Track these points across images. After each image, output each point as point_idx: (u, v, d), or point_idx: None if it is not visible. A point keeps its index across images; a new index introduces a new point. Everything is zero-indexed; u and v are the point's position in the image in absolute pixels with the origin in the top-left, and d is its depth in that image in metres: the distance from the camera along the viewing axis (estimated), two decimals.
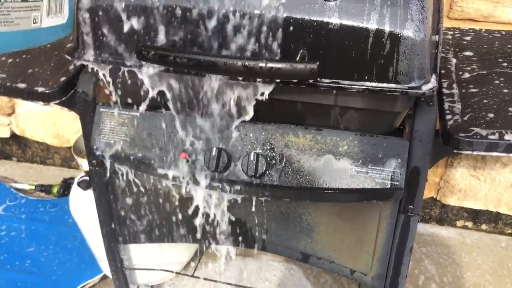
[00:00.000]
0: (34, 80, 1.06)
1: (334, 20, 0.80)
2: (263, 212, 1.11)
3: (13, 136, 2.18)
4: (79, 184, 1.32)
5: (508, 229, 1.85)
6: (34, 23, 0.52)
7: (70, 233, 1.76)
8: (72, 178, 1.99)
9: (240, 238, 1.17)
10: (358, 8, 0.79)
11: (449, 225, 1.91)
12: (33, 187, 2.02)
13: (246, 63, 0.79)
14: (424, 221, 1.91)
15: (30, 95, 1.04)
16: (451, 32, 1.20)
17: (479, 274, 1.73)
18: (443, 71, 1.04)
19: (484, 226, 1.87)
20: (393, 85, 0.82)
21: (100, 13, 0.88)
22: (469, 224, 1.88)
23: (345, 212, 1.06)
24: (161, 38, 0.87)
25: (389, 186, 0.93)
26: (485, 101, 0.95)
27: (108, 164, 1.09)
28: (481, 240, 1.86)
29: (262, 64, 0.79)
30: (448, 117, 0.91)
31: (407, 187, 0.95)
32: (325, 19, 0.80)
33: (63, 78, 1.05)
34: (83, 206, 1.39)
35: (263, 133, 0.97)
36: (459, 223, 1.89)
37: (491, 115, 0.91)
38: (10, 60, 1.13)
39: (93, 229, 1.37)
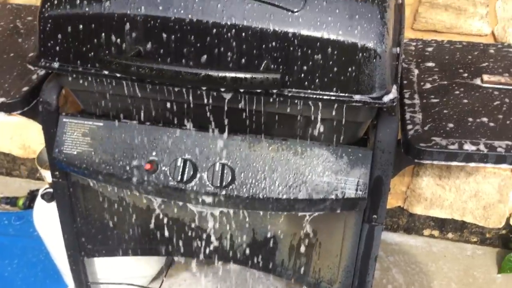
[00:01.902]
0: None
1: (297, 31, 0.81)
2: (229, 223, 1.10)
3: None
4: (42, 196, 1.30)
5: (473, 238, 1.89)
6: None
7: (35, 246, 1.72)
8: (38, 190, 1.95)
9: (206, 250, 1.16)
10: (320, 19, 0.81)
11: (417, 234, 1.93)
12: None
13: (210, 73, 0.80)
14: (392, 230, 1.94)
15: None
16: (414, 43, 1.23)
17: (446, 282, 1.75)
18: (405, 82, 1.07)
19: (450, 235, 1.90)
20: (355, 96, 0.83)
21: (64, 22, 0.87)
22: (436, 232, 1.91)
23: (311, 223, 1.07)
24: (125, 48, 0.86)
25: (353, 196, 0.94)
26: (445, 111, 0.97)
27: (71, 175, 1.08)
28: (447, 248, 1.89)
29: (226, 74, 0.80)
30: (409, 127, 0.93)
31: (371, 197, 0.97)
32: (289, 30, 0.81)
33: (25, 88, 1.04)
34: (47, 219, 1.36)
35: (229, 144, 0.97)
36: (426, 232, 1.92)
37: (451, 125, 0.94)
38: None
39: (57, 243, 1.34)
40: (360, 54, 0.81)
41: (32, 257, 1.70)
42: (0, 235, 1.79)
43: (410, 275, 1.77)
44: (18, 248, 1.73)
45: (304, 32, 0.81)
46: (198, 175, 0.98)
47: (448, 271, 1.79)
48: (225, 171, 0.96)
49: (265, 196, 0.96)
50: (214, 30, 0.82)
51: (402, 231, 1.93)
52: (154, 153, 0.99)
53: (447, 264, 1.82)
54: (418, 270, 1.80)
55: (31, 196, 1.96)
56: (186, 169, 0.97)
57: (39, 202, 1.39)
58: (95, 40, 0.87)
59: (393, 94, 0.85)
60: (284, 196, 0.95)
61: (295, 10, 0.81)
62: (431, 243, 1.91)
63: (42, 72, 1.08)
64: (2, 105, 1.01)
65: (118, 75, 0.87)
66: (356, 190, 0.94)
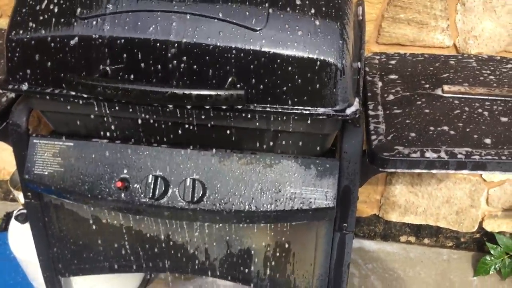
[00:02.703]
0: None
1: (260, 48, 0.83)
2: (203, 236, 1.11)
3: None
4: (16, 217, 1.30)
5: (448, 242, 1.92)
6: None
7: (12, 268, 1.69)
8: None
9: (183, 265, 1.17)
10: (282, 37, 0.83)
11: (393, 241, 1.97)
12: None
13: (175, 91, 0.82)
14: (369, 238, 1.96)
15: None
16: (378, 57, 1.26)
17: (424, 287, 1.78)
18: (369, 94, 1.10)
19: (426, 240, 1.94)
20: (318, 109, 0.86)
21: (31, 45, 0.89)
22: (412, 239, 1.94)
23: (283, 233, 1.09)
24: (91, 68, 0.88)
25: (323, 205, 0.96)
26: (407, 121, 1.01)
27: (43, 195, 1.08)
28: (424, 254, 1.92)
29: (191, 92, 0.82)
30: (373, 137, 0.96)
31: (340, 206, 0.99)
32: (252, 48, 0.84)
33: None
34: (22, 240, 1.36)
35: (199, 159, 0.99)
36: (403, 238, 1.95)
37: (413, 134, 0.97)
38: None
39: (33, 264, 1.33)
40: (322, 70, 0.84)
41: (9, 279, 1.68)
42: None
43: (388, 281, 1.80)
44: None
45: (267, 49, 0.84)
46: (170, 191, 0.99)
47: (426, 276, 1.83)
48: (196, 186, 0.98)
49: (236, 209, 0.97)
50: (179, 49, 0.84)
51: (379, 239, 1.96)
52: (125, 171, 1.00)
53: (424, 269, 1.85)
54: (396, 276, 1.83)
55: (7, 218, 1.93)
56: (158, 186, 0.98)
57: (13, 223, 1.38)
58: (61, 62, 0.88)
59: (355, 106, 0.88)
60: (255, 209, 0.97)
61: (258, 28, 0.84)
62: (408, 249, 1.94)
63: (11, 94, 1.08)
64: None
65: (85, 95, 0.88)
66: (325, 200, 0.96)
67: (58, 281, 1.26)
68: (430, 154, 0.91)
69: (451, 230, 1.88)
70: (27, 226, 1.30)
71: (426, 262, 1.89)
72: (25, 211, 1.28)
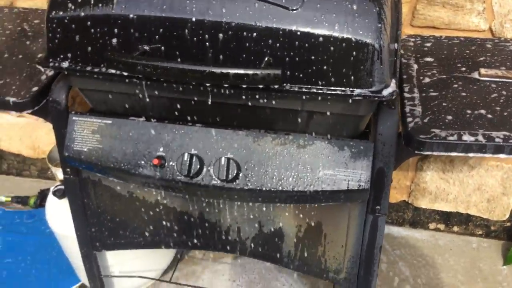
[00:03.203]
0: (6, 90, 1.07)
1: (296, 28, 0.83)
2: (236, 216, 1.13)
3: None
4: (54, 193, 1.33)
5: (478, 231, 1.90)
6: None
7: (47, 243, 1.75)
8: (49, 189, 1.99)
9: (215, 243, 1.19)
10: (318, 16, 0.83)
11: (422, 228, 1.95)
12: (9, 199, 2.01)
13: (213, 70, 0.83)
14: (397, 224, 1.96)
15: (2, 105, 1.05)
16: (413, 39, 1.25)
17: (452, 274, 1.77)
18: (405, 76, 1.09)
19: (455, 228, 1.92)
20: (354, 90, 0.86)
21: (71, 23, 0.90)
22: (441, 226, 1.92)
23: (315, 215, 1.09)
24: (131, 47, 0.89)
25: (356, 187, 0.96)
26: (444, 104, 0.99)
27: (82, 171, 1.11)
28: (453, 241, 1.91)
29: (229, 71, 0.82)
30: (409, 119, 0.95)
31: (374, 188, 0.99)
32: (288, 27, 0.84)
33: (35, 88, 1.07)
34: (59, 215, 1.40)
35: (234, 138, 1.00)
36: (432, 225, 1.93)
37: (450, 117, 0.96)
38: None
39: (70, 238, 1.37)
40: (359, 50, 0.83)
41: (45, 253, 1.73)
42: (12, 233, 1.83)
43: (416, 268, 1.79)
44: (31, 246, 1.77)
45: (303, 29, 0.83)
46: (205, 169, 1.01)
47: (454, 263, 1.81)
48: (230, 165, 0.99)
49: (269, 189, 0.98)
50: (217, 29, 0.85)
51: (407, 225, 1.95)
52: (161, 149, 1.02)
53: (453, 257, 1.84)
54: (424, 263, 1.82)
55: (42, 195, 2.00)
56: (193, 164, 1.00)
57: (51, 199, 1.42)
58: (102, 40, 0.90)
59: (392, 87, 0.88)
60: (288, 188, 0.98)
61: (294, 8, 0.84)
62: (437, 236, 1.93)
63: (50, 72, 1.11)
64: (14, 105, 1.04)
65: (125, 73, 0.90)
66: (359, 182, 0.96)
67: (94, 256, 1.29)
68: (467, 137, 0.90)
69: (481, 218, 1.86)
70: (64, 201, 1.33)
71: (455, 249, 1.88)
72: (62, 187, 1.32)
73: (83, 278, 1.54)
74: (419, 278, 1.76)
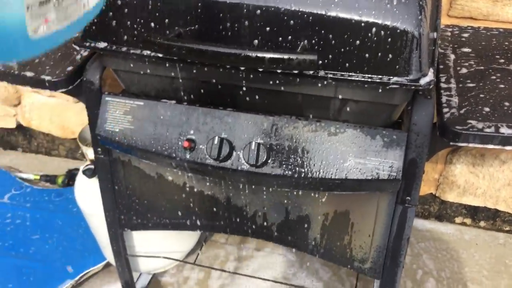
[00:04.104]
0: (42, 69, 1.08)
1: (335, 12, 0.82)
2: (263, 202, 1.13)
3: (19, 126, 2.21)
4: (84, 172, 1.35)
5: (506, 226, 1.87)
6: (84, 8, 0.54)
7: (74, 221, 1.79)
8: (77, 169, 2.03)
9: (241, 227, 1.20)
10: (359, 2, 0.82)
11: (448, 222, 1.93)
12: (38, 177, 2.05)
13: (249, 53, 0.82)
14: (423, 217, 1.94)
15: (37, 83, 1.07)
16: (450, 29, 1.22)
17: (477, 269, 1.75)
18: (441, 66, 1.07)
19: (482, 223, 1.89)
20: (391, 78, 0.84)
21: (108, 3, 0.91)
22: (468, 220, 1.90)
23: (343, 203, 1.09)
24: (166, 29, 0.89)
25: (387, 177, 0.95)
26: (481, 95, 0.97)
27: (112, 151, 1.12)
28: (479, 236, 1.88)
29: (264, 55, 0.82)
30: (445, 110, 0.94)
31: (405, 179, 0.98)
32: (326, 12, 0.82)
33: (70, 67, 1.08)
34: (88, 194, 1.42)
35: (265, 124, 1.00)
36: (458, 219, 1.91)
37: (487, 109, 0.94)
38: None
39: (97, 216, 1.39)
40: (398, 37, 0.81)
41: (71, 231, 1.77)
42: (40, 210, 1.86)
43: (440, 262, 1.78)
44: (58, 223, 1.81)
45: (342, 14, 0.82)
46: (234, 154, 1.00)
47: (480, 258, 1.79)
48: (260, 150, 0.99)
49: (298, 175, 0.98)
50: (254, 12, 0.84)
51: (433, 218, 1.93)
52: (192, 132, 1.02)
53: (478, 252, 1.82)
54: (449, 257, 1.80)
55: (70, 175, 2.03)
56: (223, 148, 1.00)
57: (80, 178, 1.44)
58: (137, 22, 0.90)
59: (429, 77, 0.86)
60: (318, 176, 0.97)
61: None
62: (463, 230, 1.90)
63: (85, 52, 1.12)
64: (48, 83, 1.05)
65: (160, 55, 0.90)
66: (390, 172, 0.95)
67: (121, 234, 1.31)
68: (505, 130, 0.88)
69: (509, 214, 1.83)
70: (93, 180, 1.35)
71: (481, 244, 1.85)
72: (92, 166, 1.33)
73: (109, 256, 1.56)
74: (443, 271, 1.74)
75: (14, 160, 2.24)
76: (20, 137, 2.26)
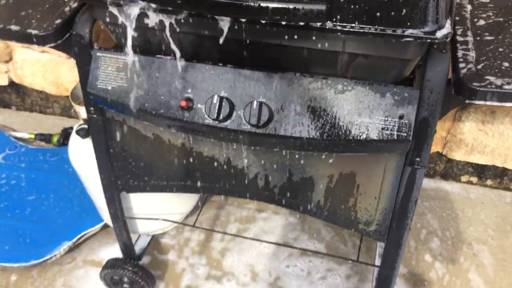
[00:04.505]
0: (28, 22, 1.01)
1: None
2: (265, 163, 1.08)
3: (12, 84, 2.14)
4: (77, 132, 1.30)
5: None
6: None
7: (70, 182, 1.75)
8: (72, 128, 1.97)
9: (241, 189, 1.15)
10: None
11: (454, 180, 1.89)
12: (32, 136, 2.00)
13: (251, 3, 0.75)
14: (428, 175, 1.89)
15: (23, 38, 1.00)
16: None
17: (482, 229, 1.72)
18: (457, 18, 0.99)
19: (489, 182, 1.85)
20: (406, 30, 0.77)
21: None
22: (474, 179, 1.86)
23: (349, 164, 1.04)
24: None
25: (397, 138, 0.90)
26: (500, 49, 0.90)
27: (106, 111, 1.06)
28: (485, 195, 1.84)
29: (268, 4, 0.75)
30: (462, 65, 0.87)
31: (416, 139, 0.92)
32: None
33: (58, 21, 1.01)
34: (82, 155, 1.37)
35: (267, 81, 0.93)
36: (464, 178, 1.87)
37: (506, 64, 0.87)
38: (2, 2, 1.08)
39: (93, 178, 1.35)
40: None
41: (68, 192, 1.73)
42: (36, 170, 1.82)
43: (445, 221, 1.75)
44: (54, 183, 1.77)
45: None
46: (235, 113, 0.95)
47: (485, 218, 1.76)
48: (263, 110, 0.93)
49: (303, 136, 0.92)
50: None
51: (438, 177, 1.89)
52: (189, 90, 0.96)
53: (484, 211, 1.78)
54: (453, 216, 1.77)
55: (65, 133, 1.98)
56: (223, 107, 0.94)
57: (74, 138, 1.39)
58: None
59: (446, 29, 0.79)
60: (324, 136, 0.92)
61: None
62: (469, 189, 1.87)
63: (75, 4, 1.04)
64: (35, 37, 0.98)
65: (153, 5, 0.83)
66: (401, 131, 0.89)
67: (117, 196, 1.27)
68: None
69: None
70: (87, 141, 1.30)
71: (487, 203, 1.82)
72: (86, 126, 1.28)
73: (106, 218, 1.53)
74: (448, 231, 1.71)
75: (8, 119, 2.18)
76: (13, 95, 2.19)
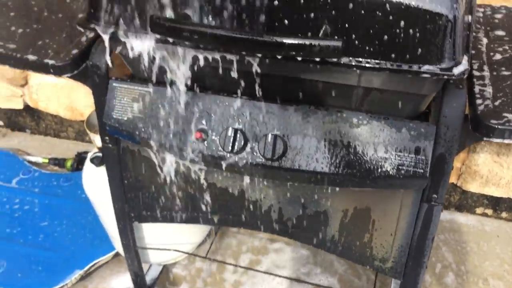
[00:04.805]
0: (45, 52, 1.02)
1: None
2: (280, 196, 1.07)
3: (27, 108, 2.16)
4: (92, 160, 1.30)
5: None
6: None
7: (83, 208, 1.74)
8: (86, 152, 1.98)
9: (254, 221, 1.14)
10: None
11: (468, 212, 1.86)
12: (46, 161, 2.01)
13: (267, 39, 0.75)
14: (443, 207, 1.86)
15: (40, 68, 1.01)
16: (482, 9, 1.13)
17: (498, 263, 1.68)
18: (473, 52, 0.98)
19: (504, 214, 1.81)
20: (422, 66, 0.77)
21: None
22: (489, 211, 1.82)
23: (364, 199, 1.02)
24: (175, 11, 0.82)
25: (413, 174, 0.88)
26: None
27: (120, 141, 1.06)
28: (500, 228, 1.81)
29: (284, 41, 0.75)
30: (479, 101, 0.86)
31: (432, 175, 0.91)
32: None
33: (75, 51, 1.02)
34: (96, 183, 1.37)
35: (282, 114, 0.93)
36: (479, 210, 1.83)
37: None
38: (20, 30, 1.10)
39: (105, 206, 1.35)
40: (430, 21, 0.74)
41: (81, 218, 1.73)
42: (49, 196, 1.82)
43: (460, 254, 1.71)
44: (67, 209, 1.76)
45: None
46: (249, 146, 0.94)
47: (501, 252, 1.72)
48: (277, 143, 0.92)
49: (317, 170, 0.91)
50: None
51: (453, 209, 1.86)
52: (204, 122, 0.96)
53: (499, 244, 1.75)
54: (468, 250, 1.73)
55: (79, 158, 1.99)
56: (237, 139, 0.94)
57: (88, 165, 1.39)
58: (145, 4, 0.83)
59: (463, 65, 0.78)
60: (338, 171, 0.90)
61: None
62: (484, 222, 1.83)
63: (91, 34, 1.05)
64: (52, 68, 0.99)
65: (170, 39, 0.83)
66: (417, 167, 0.88)
67: (130, 226, 1.26)
68: None
69: None
70: (101, 168, 1.30)
71: (502, 236, 1.78)
72: (100, 154, 1.28)
73: (118, 246, 1.52)
74: (463, 265, 1.68)
75: (23, 142, 2.20)
76: (28, 118, 2.22)
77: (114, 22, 0.87)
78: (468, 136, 0.89)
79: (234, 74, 0.89)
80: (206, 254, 1.39)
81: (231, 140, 0.93)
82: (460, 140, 0.89)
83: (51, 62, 1.00)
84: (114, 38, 0.88)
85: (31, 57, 1.01)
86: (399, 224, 1.01)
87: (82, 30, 0.99)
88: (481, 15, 1.13)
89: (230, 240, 1.74)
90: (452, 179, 1.77)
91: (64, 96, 2.04)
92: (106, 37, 0.88)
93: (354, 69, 0.80)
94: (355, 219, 1.05)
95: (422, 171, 0.88)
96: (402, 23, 0.74)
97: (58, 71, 1.00)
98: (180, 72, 0.94)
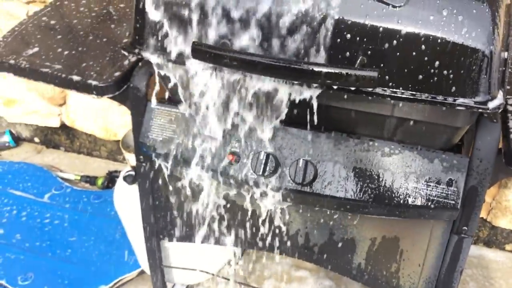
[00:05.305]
0: (88, 73, 1.06)
1: (398, 26, 0.76)
2: (307, 221, 1.08)
3: (63, 126, 2.22)
4: (125, 178, 1.33)
5: None
6: None
7: (111, 225, 1.78)
8: (117, 171, 2.02)
9: (281, 245, 1.14)
10: (424, 15, 0.76)
11: (498, 248, 1.82)
12: (78, 178, 2.06)
13: (304, 67, 0.77)
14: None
15: (83, 88, 1.05)
16: None
17: None
18: (509, 87, 0.99)
19: None
20: (457, 99, 0.78)
21: (158, 13, 0.87)
22: None
23: (393, 228, 1.02)
24: (214, 39, 0.85)
25: (444, 205, 0.89)
26: None
27: (155, 161, 1.09)
28: None
29: (321, 69, 0.76)
30: None
31: (463, 207, 0.91)
32: (388, 25, 0.77)
33: (117, 73, 1.06)
34: (126, 200, 1.40)
35: (314, 141, 0.95)
36: (508, 246, 1.80)
37: None
38: (66, 52, 1.15)
39: (134, 224, 1.37)
40: (467, 55, 0.75)
41: (108, 235, 1.75)
42: (79, 212, 1.86)
43: None
44: (96, 226, 1.80)
45: (405, 28, 0.76)
46: (280, 170, 0.96)
47: None
48: (308, 168, 0.94)
49: (347, 197, 0.92)
50: (309, 22, 0.79)
51: (482, 244, 1.83)
52: (236, 145, 0.98)
53: None
54: (497, 286, 1.69)
55: (110, 177, 2.03)
56: (268, 163, 0.95)
57: (120, 183, 1.42)
58: (188, 31, 0.86)
59: (499, 100, 0.79)
60: (368, 199, 0.91)
61: (398, 5, 0.77)
62: None
63: (133, 58, 1.10)
64: (95, 88, 1.03)
65: (210, 65, 0.86)
66: (448, 199, 0.88)
67: (157, 244, 1.28)
68: None
69: None
70: (133, 187, 1.33)
71: None
72: (133, 173, 1.31)
73: (143, 264, 1.54)
74: None
75: (56, 159, 2.26)
76: (63, 136, 2.28)
77: (160, 49, 0.90)
78: (500, 170, 0.89)
79: (268, 99, 0.92)
80: (229, 277, 1.39)
81: (263, 163, 0.95)
82: (492, 173, 0.89)
83: (94, 83, 1.04)
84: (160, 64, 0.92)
85: (76, 78, 1.05)
86: (427, 255, 1.01)
87: (126, 54, 1.04)
88: None
89: (254, 264, 1.74)
90: (482, 214, 1.74)
91: (100, 116, 2.10)
92: (154, 60, 0.91)
93: (388, 99, 0.81)
94: (383, 247, 1.05)
95: (453, 202, 0.88)
96: (439, 57, 0.76)
97: (100, 92, 1.04)
98: (216, 95, 0.97)
